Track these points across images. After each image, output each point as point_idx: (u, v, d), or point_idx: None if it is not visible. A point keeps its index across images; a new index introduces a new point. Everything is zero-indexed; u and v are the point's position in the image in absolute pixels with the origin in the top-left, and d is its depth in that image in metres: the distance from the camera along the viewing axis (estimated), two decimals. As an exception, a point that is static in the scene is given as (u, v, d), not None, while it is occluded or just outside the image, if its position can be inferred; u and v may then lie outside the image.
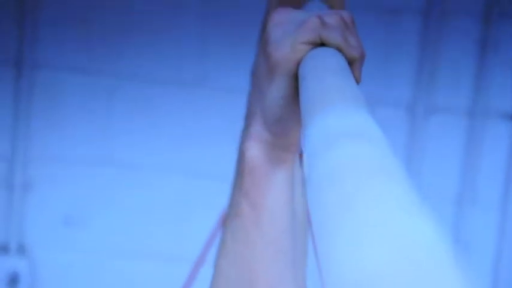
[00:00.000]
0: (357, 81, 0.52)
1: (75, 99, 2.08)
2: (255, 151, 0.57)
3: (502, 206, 2.09)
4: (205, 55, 2.07)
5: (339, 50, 0.52)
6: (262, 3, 0.92)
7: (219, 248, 0.60)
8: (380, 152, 0.32)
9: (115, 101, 2.08)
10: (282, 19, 0.56)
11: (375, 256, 0.24)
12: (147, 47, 2.06)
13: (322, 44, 0.53)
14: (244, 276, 0.58)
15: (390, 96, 2.08)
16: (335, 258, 0.26)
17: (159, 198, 2.09)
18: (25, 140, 2.08)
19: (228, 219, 0.59)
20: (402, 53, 2.07)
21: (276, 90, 0.55)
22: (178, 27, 2.07)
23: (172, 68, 2.07)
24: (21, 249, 2.11)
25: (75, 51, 2.07)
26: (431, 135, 2.08)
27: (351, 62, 0.53)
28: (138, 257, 2.10)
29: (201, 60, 2.07)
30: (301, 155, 0.62)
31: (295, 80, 0.53)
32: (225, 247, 0.59)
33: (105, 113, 2.09)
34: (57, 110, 2.08)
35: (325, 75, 0.45)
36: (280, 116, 0.56)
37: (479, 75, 2.06)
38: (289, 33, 0.54)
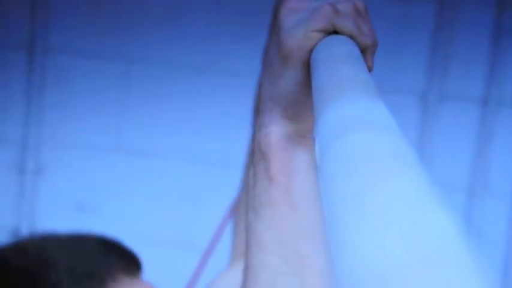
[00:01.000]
0: (370, 69, 0.52)
1: (87, 84, 2.09)
2: (277, 136, 0.57)
3: (514, 195, 2.08)
4: (216, 39, 2.06)
5: (352, 37, 0.52)
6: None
7: (251, 246, 0.57)
8: (393, 140, 0.32)
9: (127, 85, 2.08)
10: (295, 6, 0.55)
11: (390, 248, 0.23)
12: (158, 32, 2.06)
13: (335, 32, 0.53)
14: (293, 261, 0.56)
15: (403, 84, 2.07)
16: (348, 250, 0.25)
17: (170, 184, 2.10)
18: (37, 125, 2.08)
19: (254, 212, 0.58)
20: (415, 41, 2.06)
21: (289, 77, 0.54)
22: (189, 11, 2.06)
23: (184, 52, 2.07)
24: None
25: (87, 35, 2.07)
26: (443, 123, 2.08)
27: (363, 50, 0.52)
28: (148, 244, 2.10)
29: (212, 44, 2.06)
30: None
31: (308, 66, 0.53)
32: (260, 240, 0.57)
33: (117, 98, 2.09)
34: (70, 95, 2.09)
35: (337, 64, 0.45)
36: (295, 102, 0.56)
37: (493, 63, 2.05)
38: (302, 21, 0.53)
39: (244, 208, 0.62)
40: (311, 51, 0.52)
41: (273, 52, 0.56)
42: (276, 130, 0.57)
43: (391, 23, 2.04)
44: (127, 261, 0.81)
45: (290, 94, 0.55)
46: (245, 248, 0.58)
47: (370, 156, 0.30)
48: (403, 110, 2.06)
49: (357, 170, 0.29)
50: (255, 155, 0.58)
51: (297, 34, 0.53)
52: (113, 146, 2.10)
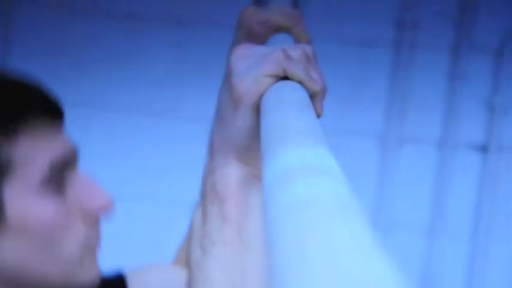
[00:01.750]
0: (318, 115, 0.52)
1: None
2: (233, 177, 0.57)
3: (472, 236, 2.10)
4: (177, 84, 2.07)
5: (301, 83, 0.53)
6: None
7: (199, 283, 0.57)
8: (335, 188, 0.32)
9: (88, 132, 2.07)
10: (246, 53, 0.56)
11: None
12: (118, 77, 2.06)
13: (285, 77, 0.53)
14: None
15: (362, 127, 2.09)
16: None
17: (132, 229, 2.08)
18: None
19: (202, 250, 0.57)
20: (373, 84, 2.09)
21: (241, 122, 0.55)
22: (149, 56, 2.07)
23: (144, 97, 2.07)
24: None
25: (46, 81, 2.06)
26: (402, 166, 2.10)
27: (312, 96, 0.53)
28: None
29: (174, 90, 2.07)
30: None
31: (258, 111, 0.53)
32: (210, 278, 0.57)
33: (78, 143, 2.07)
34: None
35: (285, 110, 0.45)
36: (248, 147, 0.56)
37: (449, 107, 2.08)
38: (253, 65, 0.54)
39: (187, 244, 0.61)
40: (262, 95, 0.53)
41: (225, 97, 0.56)
42: (231, 172, 0.57)
43: (350, 66, 2.07)
44: (51, 106, 0.74)
45: (243, 139, 0.55)
46: (190, 285, 0.58)
47: (311, 204, 0.30)
48: (362, 153, 2.08)
49: (298, 218, 0.29)
50: (207, 196, 0.58)
51: (249, 78, 0.53)
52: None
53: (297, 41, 0.83)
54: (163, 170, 2.08)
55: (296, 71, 0.53)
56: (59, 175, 0.67)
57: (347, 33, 2.06)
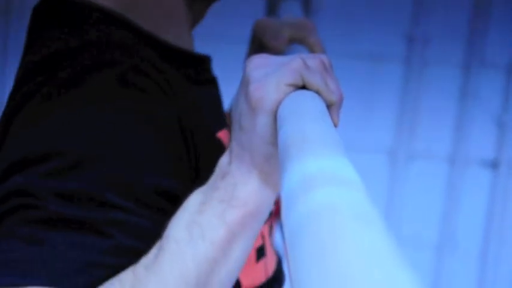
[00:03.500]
0: (335, 125, 0.52)
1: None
2: (250, 190, 0.56)
3: (481, 253, 2.09)
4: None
5: (318, 93, 0.52)
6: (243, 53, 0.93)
7: (173, 257, 0.56)
8: (357, 197, 0.32)
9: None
10: (262, 62, 0.55)
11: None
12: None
13: (303, 87, 0.53)
14: None
15: (372, 142, 2.08)
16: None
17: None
18: None
19: (189, 234, 0.56)
20: (383, 99, 2.09)
21: (261, 129, 0.54)
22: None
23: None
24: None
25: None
26: (411, 182, 2.09)
27: (329, 106, 0.52)
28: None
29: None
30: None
31: (276, 119, 0.53)
32: (186, 265, 0.55)
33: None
34: None
35: (304, 119, 0.45)
36: (269, 154, 0.55)
37: (460, 123, 2.08)
38: (271, 73, 0.53)
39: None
40: (279, 103, 0.52)
41: (243, 106, 0.55)
42: (252, 185, 0.56)
43: (361, 82, 2.06)
44: None
45: (264, 146, 0.54)
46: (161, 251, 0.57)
47: (333, 213, 0.30)
48: (372, 168, 2.07)
49: (320, 227, 0.29)
50: (217, 192, 0.57)
51: (268, 86, 0.52)
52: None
53: (311, 51, 0.83)
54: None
55: (314, 80, 0.52)
56: None
57: (357, 48, 2.06)
